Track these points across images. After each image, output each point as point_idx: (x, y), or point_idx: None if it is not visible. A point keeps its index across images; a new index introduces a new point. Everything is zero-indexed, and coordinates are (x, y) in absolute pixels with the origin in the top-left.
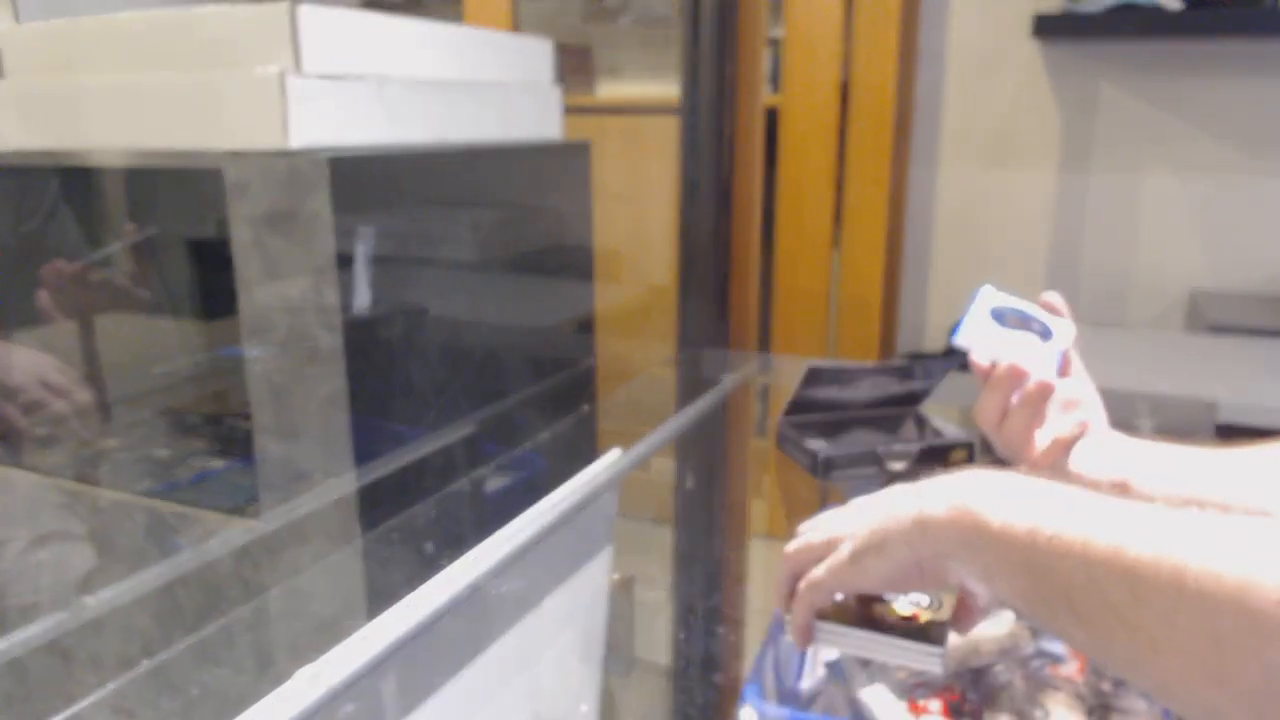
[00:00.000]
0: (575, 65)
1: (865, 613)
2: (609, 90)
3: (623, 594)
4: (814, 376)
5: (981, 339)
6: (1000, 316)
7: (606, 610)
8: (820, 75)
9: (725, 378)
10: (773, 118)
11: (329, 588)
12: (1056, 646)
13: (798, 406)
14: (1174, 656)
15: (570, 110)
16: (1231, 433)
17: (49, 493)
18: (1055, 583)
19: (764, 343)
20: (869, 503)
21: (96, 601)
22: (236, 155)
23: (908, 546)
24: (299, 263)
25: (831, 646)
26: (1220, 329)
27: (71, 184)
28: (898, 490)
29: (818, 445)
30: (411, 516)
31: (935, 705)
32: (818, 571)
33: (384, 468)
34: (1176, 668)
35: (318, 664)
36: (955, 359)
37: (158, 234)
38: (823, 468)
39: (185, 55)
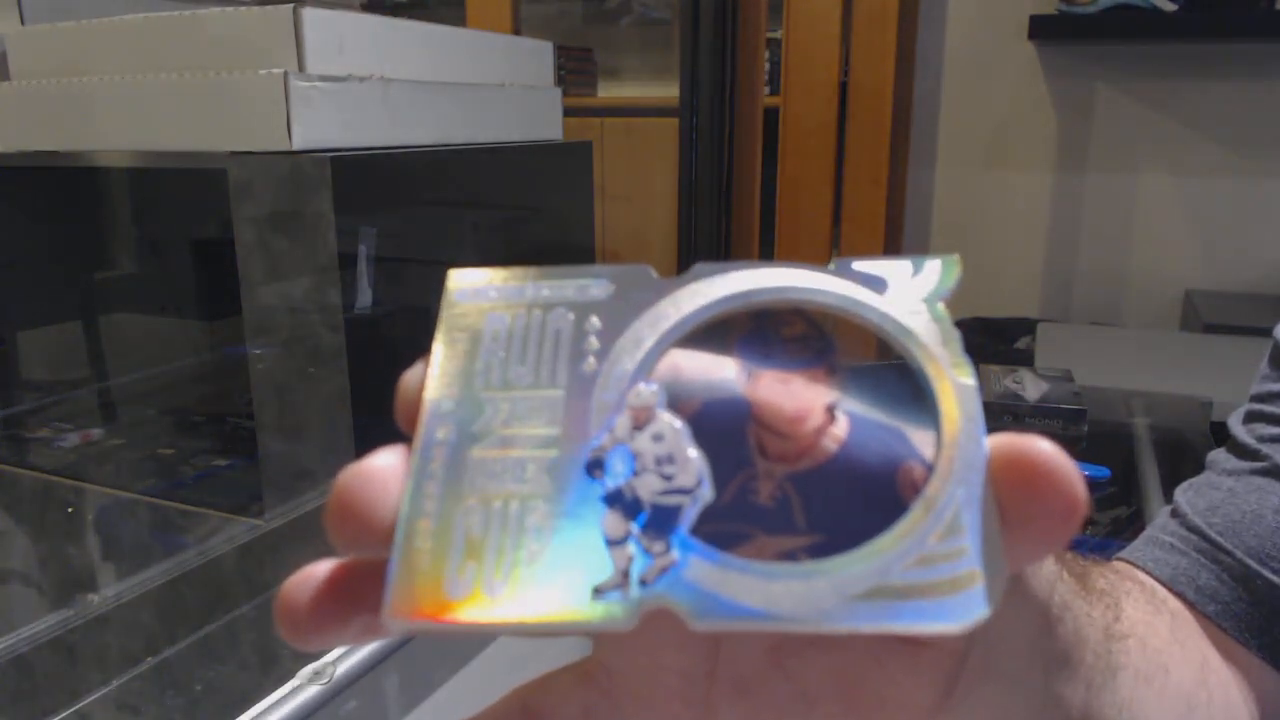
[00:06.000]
0: (576, 67)
1: None
2: (609, 91)
3: None
4: None
5: None
6: None
7: None
8: (819, 76)
9: None
10: (772, 118)
11: None
12: None
13: None
14: None
15: (571, 111)
16: (1226, 431)
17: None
18: None
19: None
20: None
21: (101, 599)
22: (240, 156)
23: None
24: (301, 262)
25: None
26: (1215, 328)
27: (77, 185)
28: None
29: None
30: None
31: None
32: None
33: None
34: None
35: (320, 662)
36: None
37: (161, 234)
38: None
39: (189, 57)
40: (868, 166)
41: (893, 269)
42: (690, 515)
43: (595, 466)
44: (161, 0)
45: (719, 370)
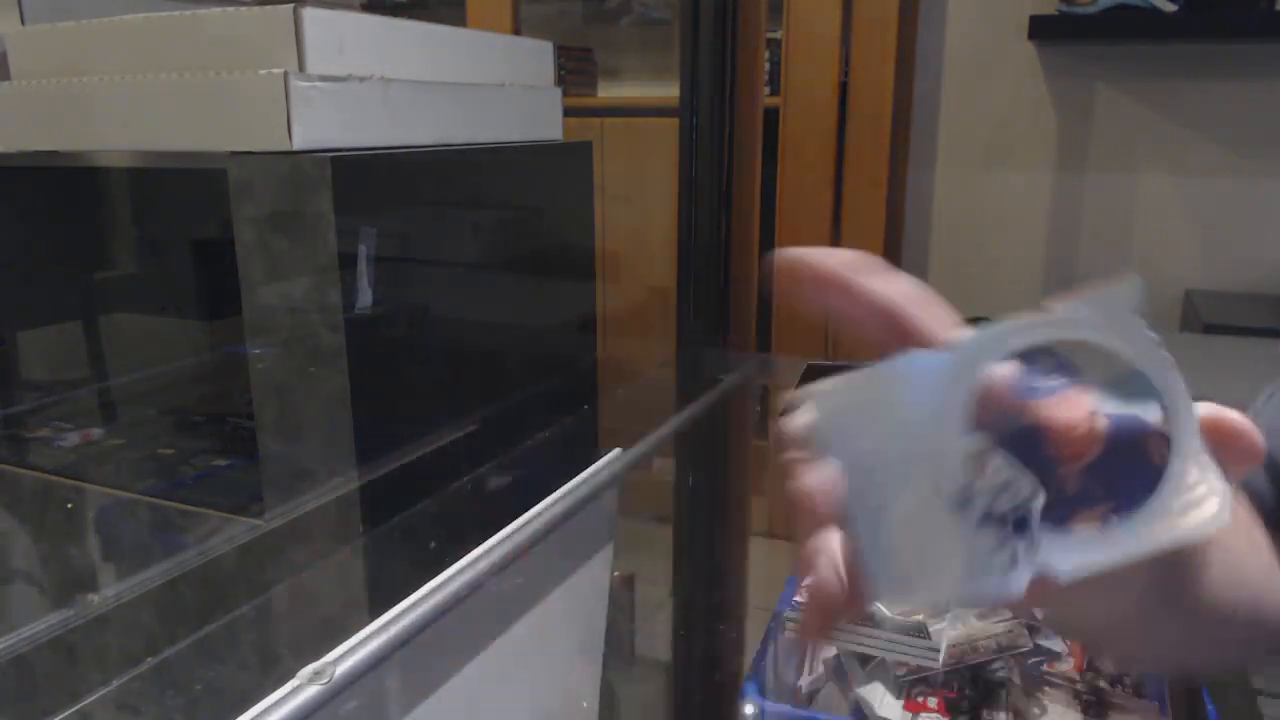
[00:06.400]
0: (576, 67)
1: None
2: (609, 91)
3: (623, 591)
4: (813, 376)
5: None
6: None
7: (607, 608)
8: (819, 77)
9: (725, 378)
10: (772, 119)
11: (332, 586)
12: (1054, 644)
13: None
14: None
15: (571, 111)
16: None
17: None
18: None
19: (764, 343)
20: None
21: (101, 599)
22: (240, 156)
23: None
24: (302, 262)
25: (830, 642)
26: (1215, 328)
27: (77, 185)
28: None
29: None
30: (414, 515)
31: (933, 702)
32: None
33: (386, 466)
34: None
35: (320, 661)
36: None
37: (161, 234)
38: None
39: (190, 57)
40: (868, 167)
41: (1102, 301)
42: (1036, 513)
43: (969, 503)
44: (161, 0)
45: (1018, 405)
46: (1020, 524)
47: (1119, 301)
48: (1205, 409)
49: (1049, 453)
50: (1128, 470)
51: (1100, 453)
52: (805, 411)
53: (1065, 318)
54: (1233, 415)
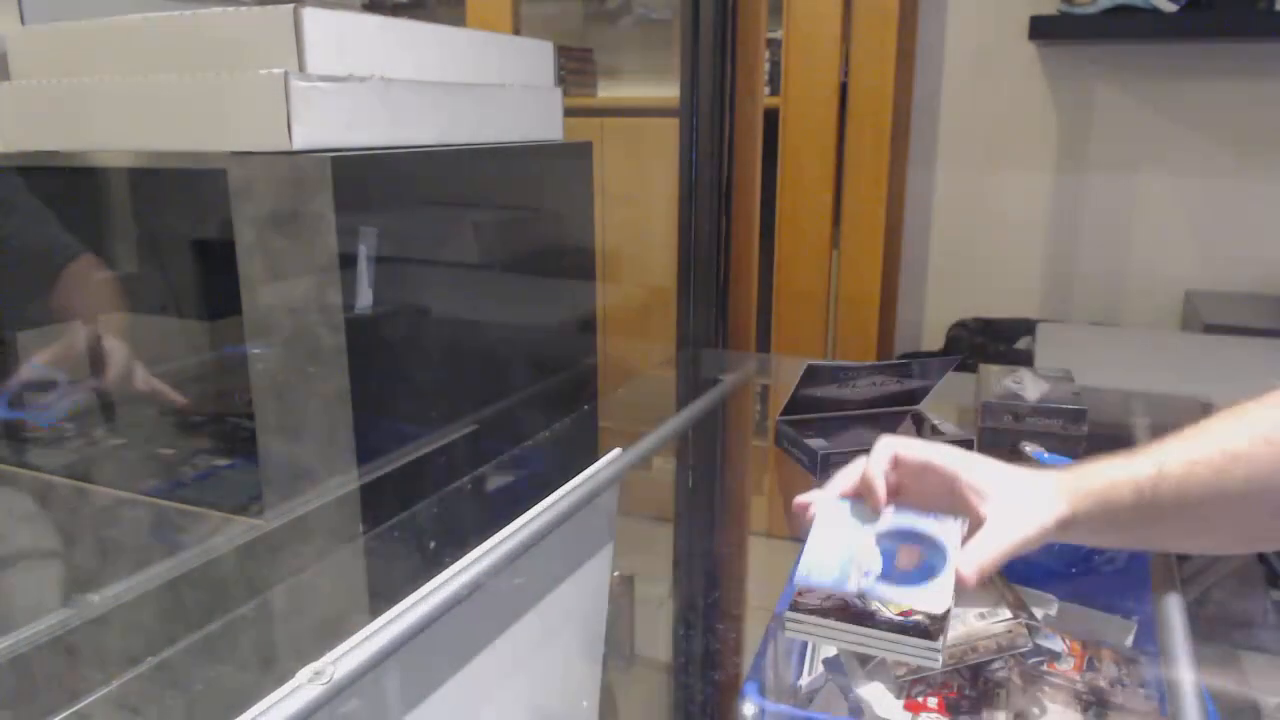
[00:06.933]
0: (576, 67)
1: (864, 608)
2: (609, 91)
3: (623, 591)
4: (813, 375)
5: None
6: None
7: (607, 607)
8: (819, 77)
9: (725, 377)
10: (772, 119)
11: (332, 585)
12: (1054, 643)
13: (796, 405)
14: None
15: (571, 111)
16: None
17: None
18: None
19: (763, 343)
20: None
21: (101, 599)
22: (240, 156)
23: None
24: (302, 262)
25: (830, 642)
26: (1215, 328)
27: (76, 185)
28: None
29: (817, 443)
30: (414, 515)
31: (933, 702)
32: None
33: (386, 466)
34: None
35: (321, 661)
36: (953, 359)
37: (161, 234)
38: (821, 465)
39: (190, 57)
40: (867, 167)
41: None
42: (873, 575)
43: (856, 560)
44: (162, 0)
45: (894, 540)
46: (868, 575)
47: (952, 522)
48: (957, 568)
49: (894, 557)
50: (918, 575)
51: (912, 566)
52: (817, 502)
53: (920, 519)
54: (963, 575)
